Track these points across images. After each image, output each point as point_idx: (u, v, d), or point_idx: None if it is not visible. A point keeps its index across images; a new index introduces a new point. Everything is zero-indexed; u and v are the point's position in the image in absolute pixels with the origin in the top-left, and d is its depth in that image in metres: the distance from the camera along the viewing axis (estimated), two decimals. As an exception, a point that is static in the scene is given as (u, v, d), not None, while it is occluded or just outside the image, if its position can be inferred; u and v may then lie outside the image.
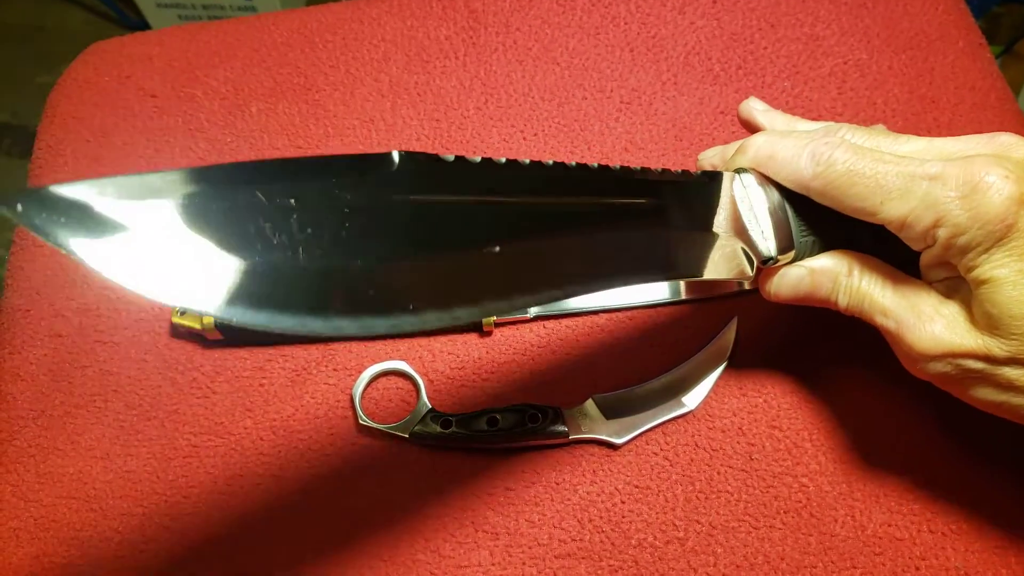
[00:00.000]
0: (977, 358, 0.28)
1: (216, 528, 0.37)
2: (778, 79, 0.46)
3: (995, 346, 0.28)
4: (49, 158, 0.47)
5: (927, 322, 0.29)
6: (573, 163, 0.28)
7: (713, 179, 0.32)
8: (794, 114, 0.45)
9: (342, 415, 0.39)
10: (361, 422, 0.38)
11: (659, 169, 0.31)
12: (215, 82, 0.48)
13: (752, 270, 0.32)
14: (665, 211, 0.30)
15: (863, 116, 0.44)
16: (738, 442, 0.37)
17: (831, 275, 0.31)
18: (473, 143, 0.45)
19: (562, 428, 0.37)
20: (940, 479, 0.36)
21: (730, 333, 0.39)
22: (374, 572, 0.36)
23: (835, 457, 0.36)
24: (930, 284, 0.30)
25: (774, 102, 0.45)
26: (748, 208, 0.31)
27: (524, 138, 0.45)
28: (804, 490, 0.36)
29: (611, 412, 0.37)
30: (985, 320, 0.28)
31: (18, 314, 0.42)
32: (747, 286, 0.37)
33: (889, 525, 0.35)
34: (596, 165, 0.29)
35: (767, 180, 0.32)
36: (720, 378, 0.38)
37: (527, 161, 0.27)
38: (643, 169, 0.30)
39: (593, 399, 0.38)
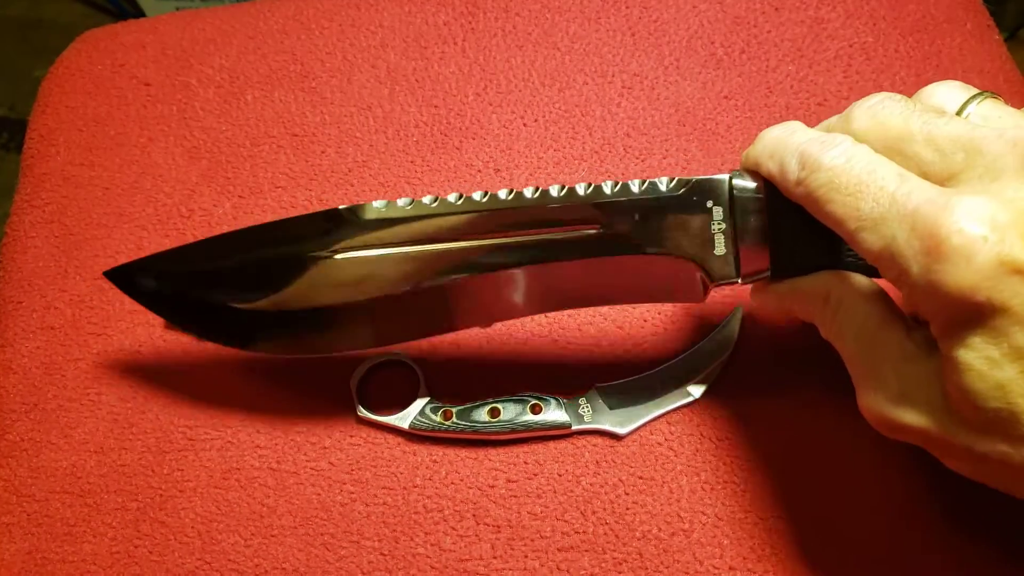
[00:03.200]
0: (933, 439, 0.24)
1: (212, 523, 0.36)
2: (782, 63, 0.45)
3: (957, 433, 0.23)
4: (41, 148, 0.46)
5: (879, 386, 0.25)
6: (508, 196, 0.30)
7: (696, 192, 0.29)
8: (798, 98, 0.44)
9: (340, 407, 0.38)
10: (360, 414, 0.37)
11: (640, 182, 0.29)
12: (210, 70, 0.48)
13: (703, 294, 0.31)
14: (614, 236, 0.30)
15: (870, 100, 0.44)
16: (743, 432, 0.36)
17: (812, 299, 0.28)
18: (472, 130, 0.44)
19: (564, 419, 0.36)
20: (950, 474, 0.35)
21: (735, 322, 0.38)
22: (374, 566, 0.35)
23: (842, 447, 0.36)
24: (918, 327, 0.25)
25: (778, 86, 0.44)
26: (721, 226, 0.29)
27: (524, 124, 0.44)
28: (811, 480, 0.35)
29: (614, 402, 0.37)
30: (953, 399, 0.23)
31: (9, 306, 0.42)
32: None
33: (896, 516, 0.34)
34: (535, 194, 0.30)
35: (763, 190, 0.29)
36: (725, 367, 0.37)
37: (459, 201, 0.30)
38: (595, 189, 0.29)
39: (596, 389, 0.37)
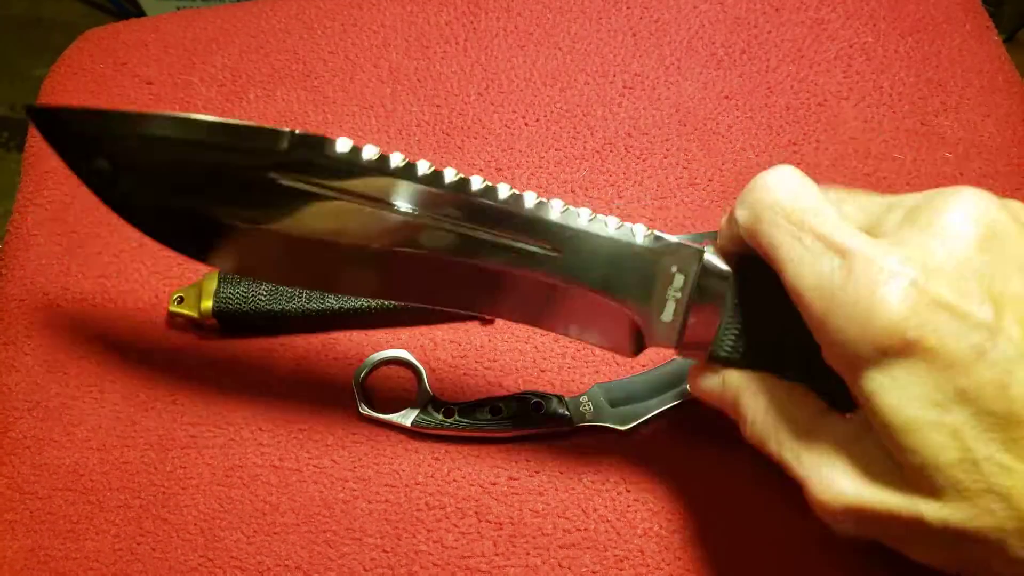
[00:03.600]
0: (899, 520, 0.22)
1: (215, 520, 0.36)
2: (783, 63, 0.45)
3: (925, 506, 0.21)
4: (43, 147, 0.46)
5: (829, 465, 0.23)
6: (479, 186, 0.27)
7: (666, 254, 0.28)
8: (798, 98, 0.44)
9: (342, 405, 0.38)
10: (362, 412, 0.37)
11: (618, 223, 0.28)
12: (212, 69, 0.48)
13: (636, 351, 0.30)
14: (570, 266, 0.28)
15: (869, 100, 0.44)
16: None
17: (737, 392, 0.28)
18: (474, 129, 0.45)
19: (566, 416, 0.36)
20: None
21: (736, 320, 0.38)
22: (376, 563, 0.35)
23: (843, 445, 0.36)
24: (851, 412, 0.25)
25: (779, 86, 0.44)
26: (677, 295, 0.28)
27: (526, 123, 0.44)
28: (812, 478, 0.35)
29: (616, 400, 0.37)
30: (896, 455, 0.22)
31: (12, 304, 0.42)
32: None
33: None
34: (507, 195, 0.28)
35: (730, 275, 0.28)
36: (726, 365, 0.38)
37: (428, 171, 0.28)
38: (568, 213, 0.28)
39: (597, 387, 0.37)
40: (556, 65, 0.46)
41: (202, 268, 0.41)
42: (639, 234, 0.28)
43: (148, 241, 0.43)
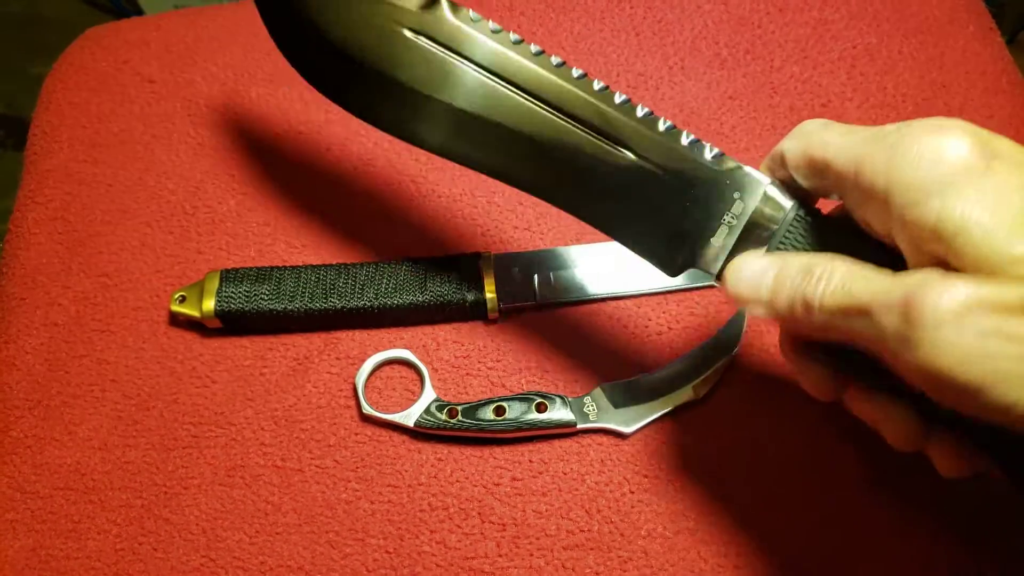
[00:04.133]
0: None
1: (217, 520, 0.36)
2: (787, 63, 0.45)
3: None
4: (44, 145, 0.46)
5: (947, 280, 0.21)
6: (599, 87, 0.30)
7: (731, 178, 0.28)
8: (802, 99, 0.44)
9: (345, 404, 0.38)
10: (364, 412, 0.37)
11: (690, 138, 0.29)
12: (214, 67, 0.47)
13: (677, 271, 0.30)
14: (644, 170, 0.30)
15: (873, 101, 0.44)
16: (748, 431, 0.36)
17: (804, 267, 0.25)
18: (477, 129, 0.44)
19: (570, 417, 0.36)
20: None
21: (740, 322, 0.38)
22: (379, 564, 0.35)
23: (849, 443, 0.36)
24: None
25: (782, 87, 0.44)
26: (733, 222, 0.28)
27: (529, 123, 0.44)
28: (816, 478, 0.35)
29: (619, 401, 0.37)
30: None
31: (13, 302, 0.42)
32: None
33: (903, 508, 0.34)
34: (620, 100, 0.30)
35: (792, 211, 0.28)
36: (730, 367, 0.38)
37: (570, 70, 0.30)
38: (671, 129, 0.29)
39: (601, 387, 0.37)
40: (559, 65, 0.46)
41: (203, 267, 0.41)
42: (708, 151, 0.29)
43: (149, 240, 0.43)
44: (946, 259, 0.22)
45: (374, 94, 0.33)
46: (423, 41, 0.31)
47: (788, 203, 0.28)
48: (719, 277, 0.29)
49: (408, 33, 0.31)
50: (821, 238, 0.27)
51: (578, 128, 0.30)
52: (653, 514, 0.35)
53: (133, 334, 0.40)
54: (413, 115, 0.32)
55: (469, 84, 0.31)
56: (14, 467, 0.38)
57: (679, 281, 0.39)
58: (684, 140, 0.29)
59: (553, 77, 0.30)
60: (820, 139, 0.26)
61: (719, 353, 0.38)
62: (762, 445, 0.36)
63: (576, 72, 0.30)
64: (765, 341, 0.38)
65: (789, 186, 0.28)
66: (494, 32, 0.30)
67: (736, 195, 0.28)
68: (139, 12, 1.16)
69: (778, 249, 0.28)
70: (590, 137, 0.30)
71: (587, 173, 0.30)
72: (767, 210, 0.28)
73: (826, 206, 0.28)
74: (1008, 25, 1.02)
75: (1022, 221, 0.21)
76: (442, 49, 0.31)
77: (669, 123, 0.29)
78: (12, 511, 0.37)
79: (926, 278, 0.22)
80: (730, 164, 0.29)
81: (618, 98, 0.30)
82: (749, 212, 0.28)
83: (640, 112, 0.29)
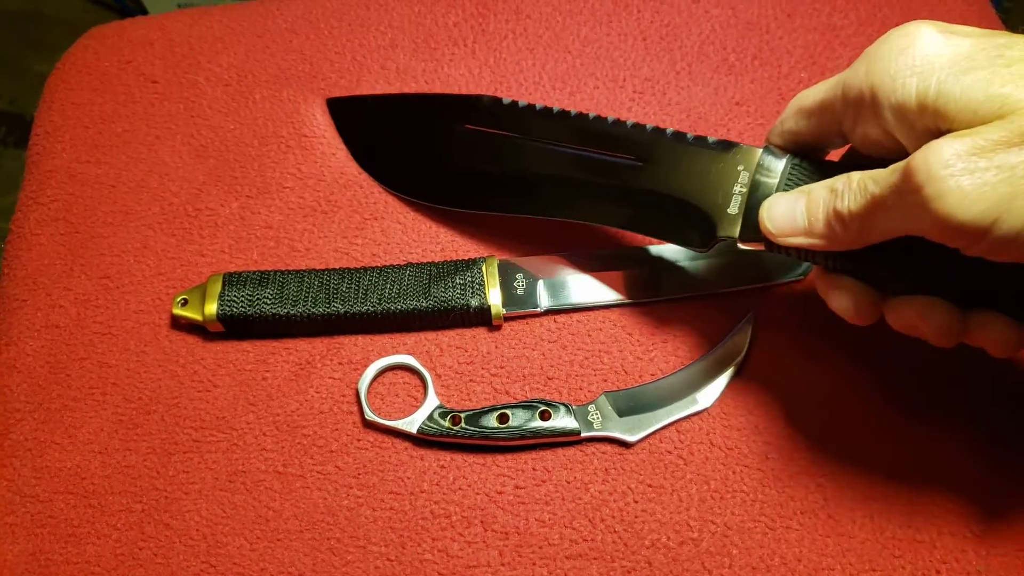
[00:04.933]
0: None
1: (217, 526, 0.36)
2: (795, 69, 0.45)
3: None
4: (47, 144, 0.46)
5: (937, 141, 0.24)
6: (591, 118, 0.36)
7: (734, 155, 0.33)
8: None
9: (347, 410, 0.38)
10: (367, 418, 0.37)
11: (693, 135, 0.34)
12: (218, 68, 0.47)
13: (707, 245, 0.34)
14: (655, 171, 0.35)
15: (881, 108, 0.43)
16: (753, 441, 0.36)
17: (827, 186, 0.29)
18: (482, 132, 0.44)
19: (574, 425, 0.36)
20: (961, 481, 0.35)
21: (745, 330, 0.38)
22: (380, 571, 0.35)
23: (853, 457, 0.36)
24: None
25: (790, 93, 0.44)
26: (743, 190, 0.32)
27: (534, 128, 0.44)
28: (821, 490, 0.35)
29: (624, 409, 0.36)
30: None
31: (14, 304, 0.41)
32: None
33: (909, 527, 0.34)
34: (612, 121, 0.36)
35: (786, 167, 0.32)
36: (735, 376, 0.37)
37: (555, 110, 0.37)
38: (656, 129, 0.35)
39: (605, 395, 0.37)
40: (566, 68, 0.46)
41: (205, 271, 0.41)
42: (711, 141, 0.34)
43: (151, 242, 0.42)
44: (938, 127, 0.25)
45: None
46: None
47: (783, 156, 0.32)
48: (741, 239, 0.33)
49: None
50: (822, 176, 0.30)
51: (609, 155, 0.36)
52: (657, 524, 0.35)
53: (134, 337, 0.40)
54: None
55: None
56: (14, 470, 0.38)
57: (684, 289, 0.39)
58: (689, 138, 0.35)
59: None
60: (804, 92, 0.31)
61: (725, 362, 0.37)
62: (768, 456, 0.36)
63: (592, 115, 0.36)
64: (771, 351, 0.38)
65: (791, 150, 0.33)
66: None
67: (740, 167, 0.33)
68: (143, 10, 1.16)
69: (785, 189, 0.31)
70: (617, 159, 0.36)
71: (615, 190, 0.36)
72: (766, 166, 0.32)
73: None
74: (1011, 29, 1.02)
75: (992, 68, 0.24)
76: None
77: (671, 129, 0.35)
78: (11, 515, 0.37)
79: (922, 149, 0.24)
80: (731, 145, 0.33)
81: (629, 123, 0.36)
82: (752, 176, 0.32)
83: (647, 128, 0.35)
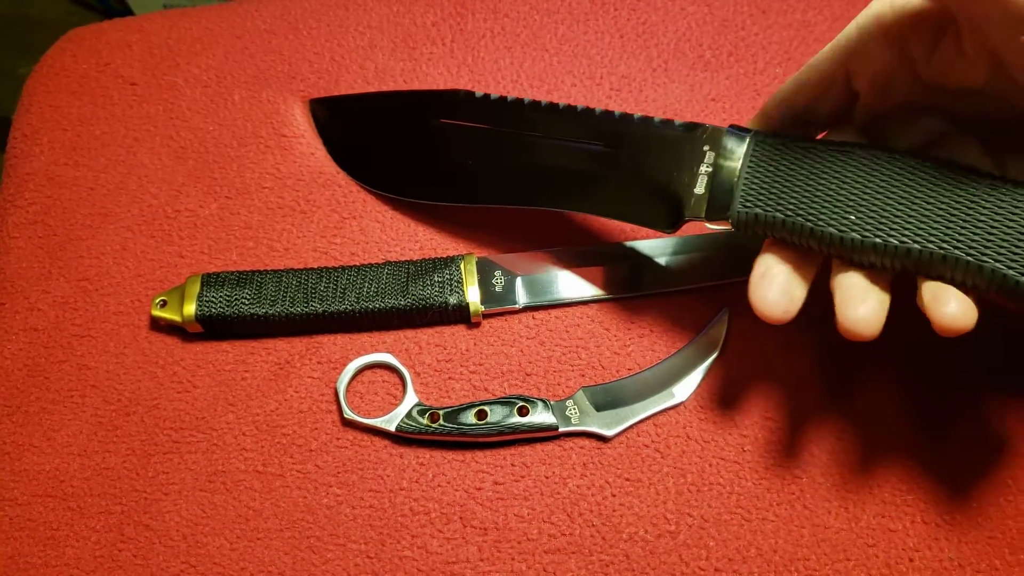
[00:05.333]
0: None
1: (197, 526, 0.36)
2: (770, 65, 0.45)
3: None
4: (25, 147, 0.46)
5: None
6: (561, 107, 0.37)
7: (700, 135, 0.34)
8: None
9: (326, 409, 0.38)
10: (346, 416, 0.37)
11: (659, 119, 0.35)
12: (197, 69, 0.47)
13: (674, 226, 0.34)
14: (620, 155, 0.36)
15: (856, 103, 0.44)
16: (730, 434, 0.37)
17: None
18: (460, 131, 0.44)
19: (552, 420, 0.36)
20: (934, 470, 0.35)
21: (722, 324, 0.38)
22: (360, 569, 0.35)
23: (828, 448, 0.36)
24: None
25: (766, 89, 0.44)
26: (709, 169, 0.33)
27: (512, 126, 0.44)
28: (797, 481, 0.35)
29: (601, 404, 0.37)
30: None
31: (-7, 307, 0.41)
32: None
33: (883, 516, 0.35)
34: (580, 109, 0.37)
35: (749, 146, 0.32)
36: (712, 369, 0.38)
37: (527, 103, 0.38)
38: (623, 115, 0.36)
39: (583, 391, 0.37)
40: (543, 67, 0.46)
41: (184, 272, 0.41)
42: (677, 124, 0.35)
43: (130, 244, 0.42)
44: None
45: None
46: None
47: (746, 135, 0.32)
48: (707, 218, 0.33)
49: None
50: (784, 154, 0.31)
51: (579, 142, 0.37)
52: (635, 517, 0.35)
53: (114, 339, 0.40)
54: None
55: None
56: (-7, 473, 0.38)
57: (660, 283, 0.39)
58: (656, 122, 0.35)
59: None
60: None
61: (701, 355, 0.38)
62: (744, 448, 0.36)
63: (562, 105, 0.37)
64: (747, 344, 0.38)
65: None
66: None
67: (706, 148, 0.33)
68: (129, 11, 1.15)
69: (748, 168, 0.32)
70: (587, 145, 0.36)
71: (586, 176, 0.37)
72: (730, 146, 0.32)
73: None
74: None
75: None
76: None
77: (639, 114, 0.36)
78: (-10, 518, 0.37)
79: None
80: (696, 127, 0.34)
81: (597, 111, 0.36)
82: (715, 158, 0.33)
83: (614, 114, 0.36)
